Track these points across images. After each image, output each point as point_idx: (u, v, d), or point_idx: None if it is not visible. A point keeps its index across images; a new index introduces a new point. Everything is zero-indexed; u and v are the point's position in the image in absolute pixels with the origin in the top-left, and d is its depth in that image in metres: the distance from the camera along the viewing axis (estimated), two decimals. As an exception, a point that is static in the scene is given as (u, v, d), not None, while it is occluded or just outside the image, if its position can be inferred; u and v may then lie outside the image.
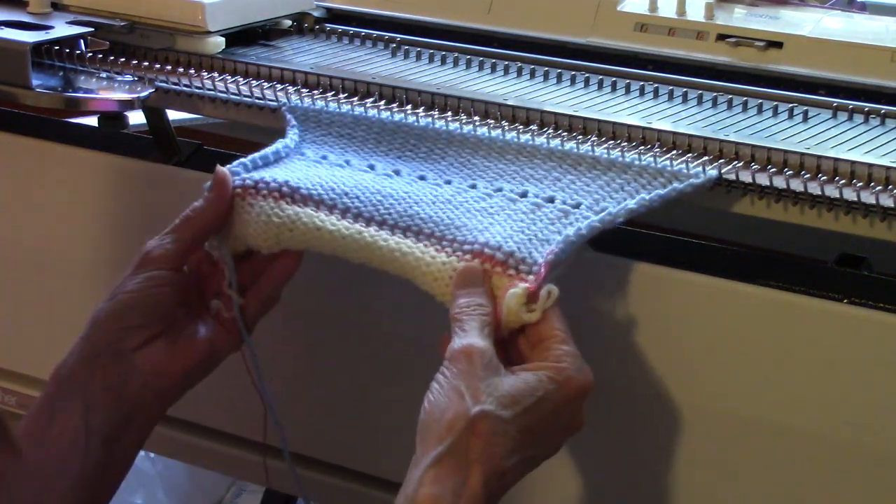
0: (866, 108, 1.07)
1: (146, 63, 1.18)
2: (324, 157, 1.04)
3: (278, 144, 1.04)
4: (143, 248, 0.98)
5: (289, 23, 1.29)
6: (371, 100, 1.12)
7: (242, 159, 1.01)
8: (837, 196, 0.93)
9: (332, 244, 0.96)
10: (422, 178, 1.01)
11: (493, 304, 0.90)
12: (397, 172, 1.02)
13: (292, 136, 1.06)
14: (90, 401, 0.96)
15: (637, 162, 0.97)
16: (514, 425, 0.84)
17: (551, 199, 0.96)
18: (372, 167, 1.03)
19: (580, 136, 1.04)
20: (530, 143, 1.02)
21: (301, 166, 1.02)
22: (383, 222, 0.96)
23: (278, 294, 1.01)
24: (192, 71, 1.18)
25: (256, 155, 1.02)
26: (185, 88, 1.14)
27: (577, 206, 0.95)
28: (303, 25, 1.29)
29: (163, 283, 0.97)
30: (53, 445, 0.96)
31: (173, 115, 1.21)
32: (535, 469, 0.88)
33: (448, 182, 1.00)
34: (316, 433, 1.14)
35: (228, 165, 1.00)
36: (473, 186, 1.00)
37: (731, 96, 1.10)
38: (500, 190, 0.99)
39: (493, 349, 0.87)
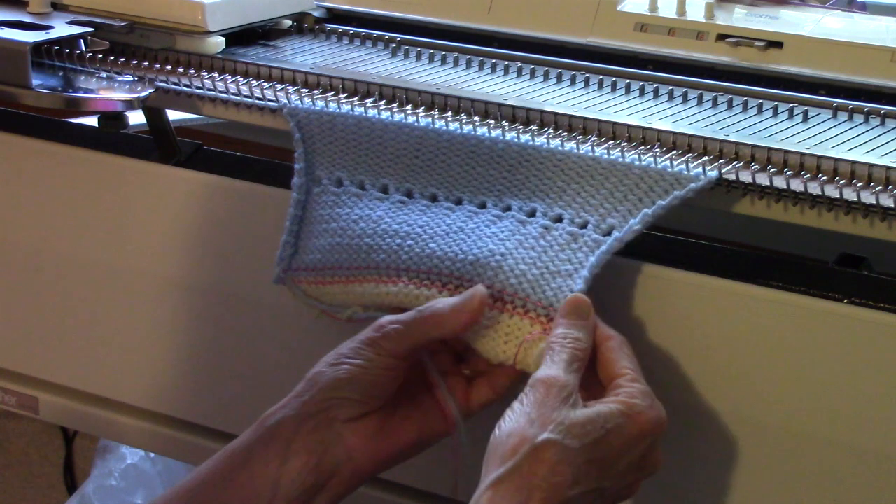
0: (866, 108, 1.07)
1: (146, 63, 1.18)
2: (339, 183, 1.05)
3: (295, 190, 1.05)
4: (378, 322, 0.95)
5: (289, 23, 1.29)
6: (371, 100, 1.12)
7: (285, 237, 1.03)
8: (837, 196, 0.93)
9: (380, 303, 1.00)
10: (433, 197, 1.03)
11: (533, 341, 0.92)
12: (409, 194, 1.04)
13: (299, 156, 1.06)
14: (289, 457, 0.93)
15: (637, 164, 0.97)
16: (581, 456, 0.84)
17: (559, 219, 0.98)
18: (385, 188, 1.04)
19: (580, 137, 1.04)
20: (531, 145, 1.02)
21: (323, 212, 1.04)
22: (408, 269, 0.99)
23: (511, 381, 0.97)
24: (192, 71, 1.18)
25: (287, 222, 1.04)
26: (185, 88, 1.14)
27: (585, 224, 0.97)
28: (303, 25, 1.29)
29: (389, 368, 0.94)
30: (239, 490, 0.94)
31: (173, 115, 1.21)
32: None
33: (458, 201, 1.02)
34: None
35: (279, 251, 1.03)
36: (483, 205, 1.02)
37: (731, 96, 1.10)
38: (508, 209, 1.00)
39: (576, 384, 0.87)
